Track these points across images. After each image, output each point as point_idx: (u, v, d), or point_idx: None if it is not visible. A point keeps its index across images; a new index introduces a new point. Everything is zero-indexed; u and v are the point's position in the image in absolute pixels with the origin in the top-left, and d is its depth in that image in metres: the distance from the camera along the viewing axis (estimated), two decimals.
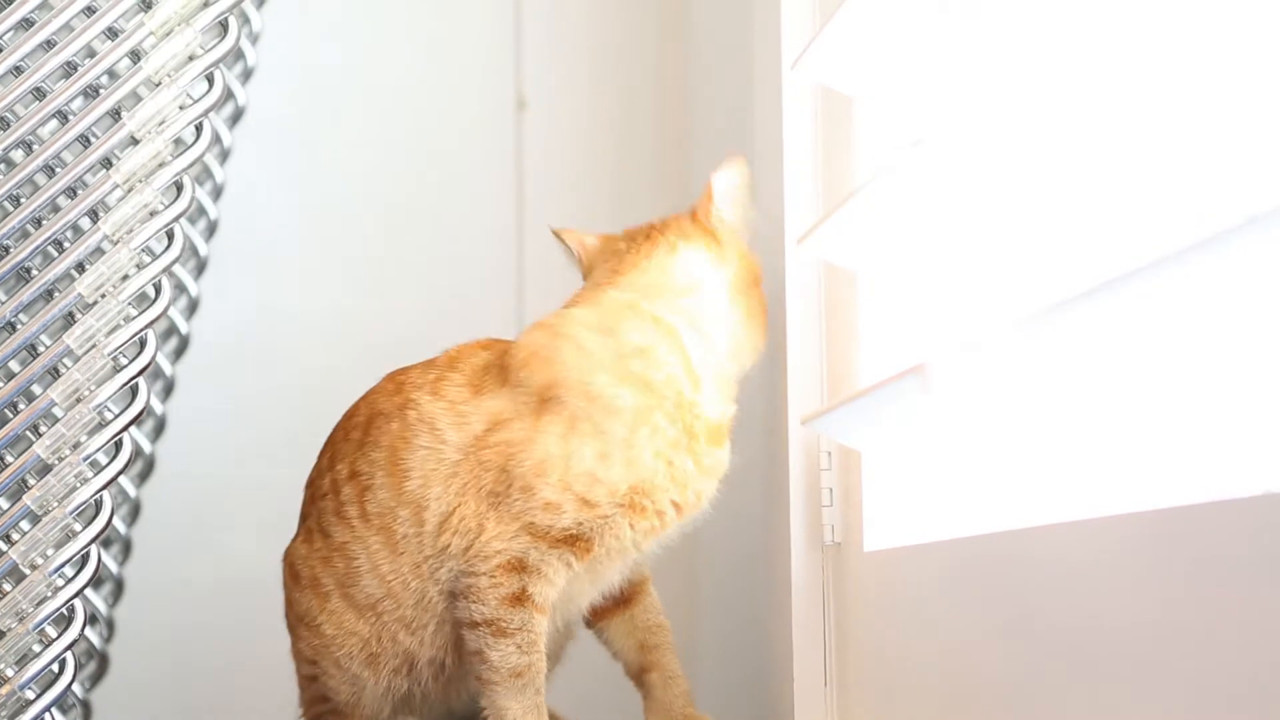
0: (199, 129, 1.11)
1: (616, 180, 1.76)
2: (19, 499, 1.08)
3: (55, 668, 1.08)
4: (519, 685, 1.10)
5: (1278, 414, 0.70)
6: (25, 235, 1.10)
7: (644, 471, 1.10)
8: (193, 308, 1.54)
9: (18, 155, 1.12)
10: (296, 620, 1.20)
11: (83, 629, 1.09)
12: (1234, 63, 0.71)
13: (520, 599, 1.10)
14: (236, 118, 1.51)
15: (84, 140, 1.11)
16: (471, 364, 1.16)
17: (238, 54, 1.50)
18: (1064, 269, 0.86)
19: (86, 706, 1.46)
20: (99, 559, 1.10)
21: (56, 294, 1.10)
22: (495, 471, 1.11)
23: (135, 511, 1.53)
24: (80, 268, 1.10)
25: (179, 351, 1.54)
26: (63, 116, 1.12)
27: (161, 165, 1.10)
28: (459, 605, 1.11)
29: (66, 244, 1.11)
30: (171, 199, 1.10)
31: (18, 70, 1.09)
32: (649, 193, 1.76)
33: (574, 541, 1.10)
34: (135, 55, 1.10)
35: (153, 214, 1.10)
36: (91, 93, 1.11)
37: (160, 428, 1.55)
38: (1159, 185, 0.78)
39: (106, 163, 1.10)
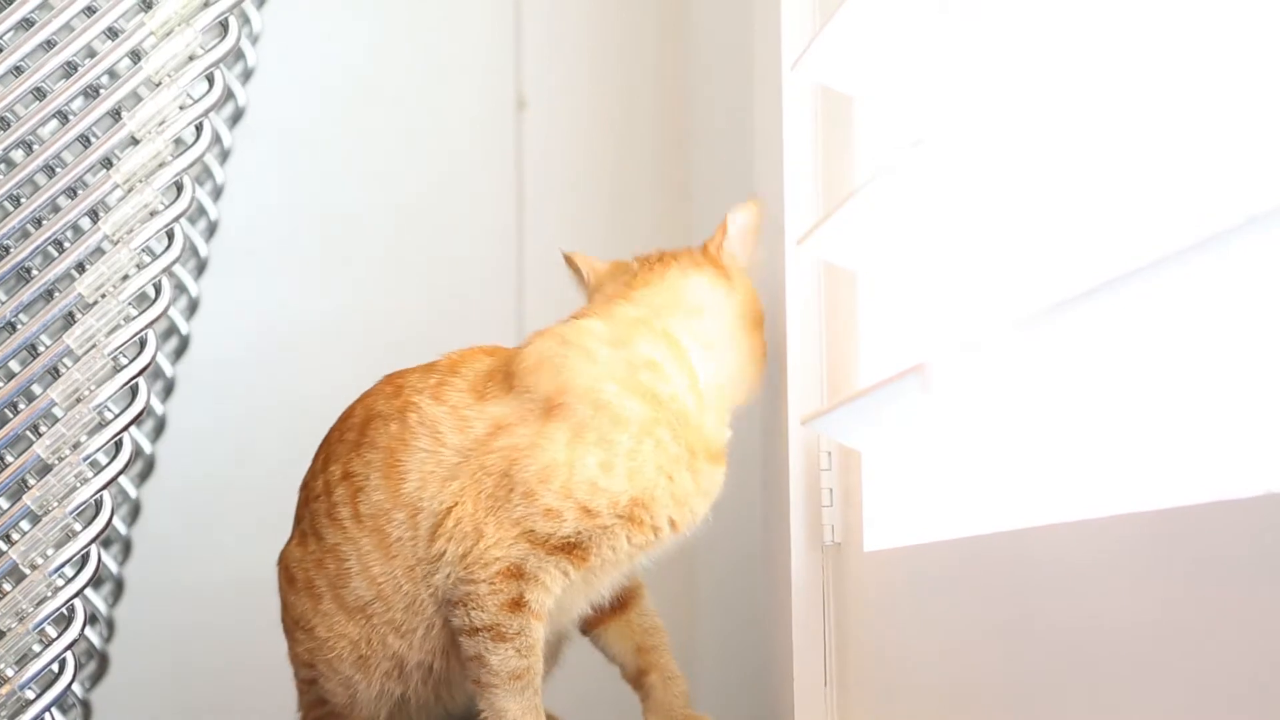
0: (199, 129, 1.11)
1: (616, 180, 1.76)
2: (19, 499, 1.08)
3: (55, 667, 1.08)
4: (519, 687, 1.10)
5: (1278, 414, 0.70)
6: (25, 235, 1.10)
7: (645, 484, 1.10)
8: (193, 308, 1.54)
9: (18, 155, 1.12)
10: (292, 624, 1.20)
11: (83, 629, 1.09)
12: (1234, 63, 0.71)
13: (519, 605, 1.10)
14: (237, 118, 1.51)
15: (84, 140, 1.11)
16: (475, 369, 1.16)
17: (238, 54, 1.50)
18: (1064, 269, 0.86)
19: (86, 706, 1.46)
20: (99, 559, 1.10)
21: (57, 294, 1.10)
22: (497, 476, 1.11)
23: (135, 511, 1.52)
24: (80, 268, 1.10)
25: (179, 352, 1.54)
26: (63, 116, 1.12)
27: (162, 165, 1.10)
28: (456, 612, 1.11)
29: (67, 244, 1.11)
30: (172, 199, 1.10)
31: (18, 70, 1.09)
32: (649, 193, 1.76)
33: (572, 550, 1.10)
34: (135, 55, 1.10)
35: (153, 214, 1.10)
36: (92, 93, 1.11)
37: (160, 428, 1.55)
38: (1159, 185, 0.78)
39: (107, 163, 1.10)
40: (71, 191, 1.11)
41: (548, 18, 1.78)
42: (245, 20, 1.46)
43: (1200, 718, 0.68)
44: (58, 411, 1.08)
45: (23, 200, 1.10)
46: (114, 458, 1.09)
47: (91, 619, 1.43)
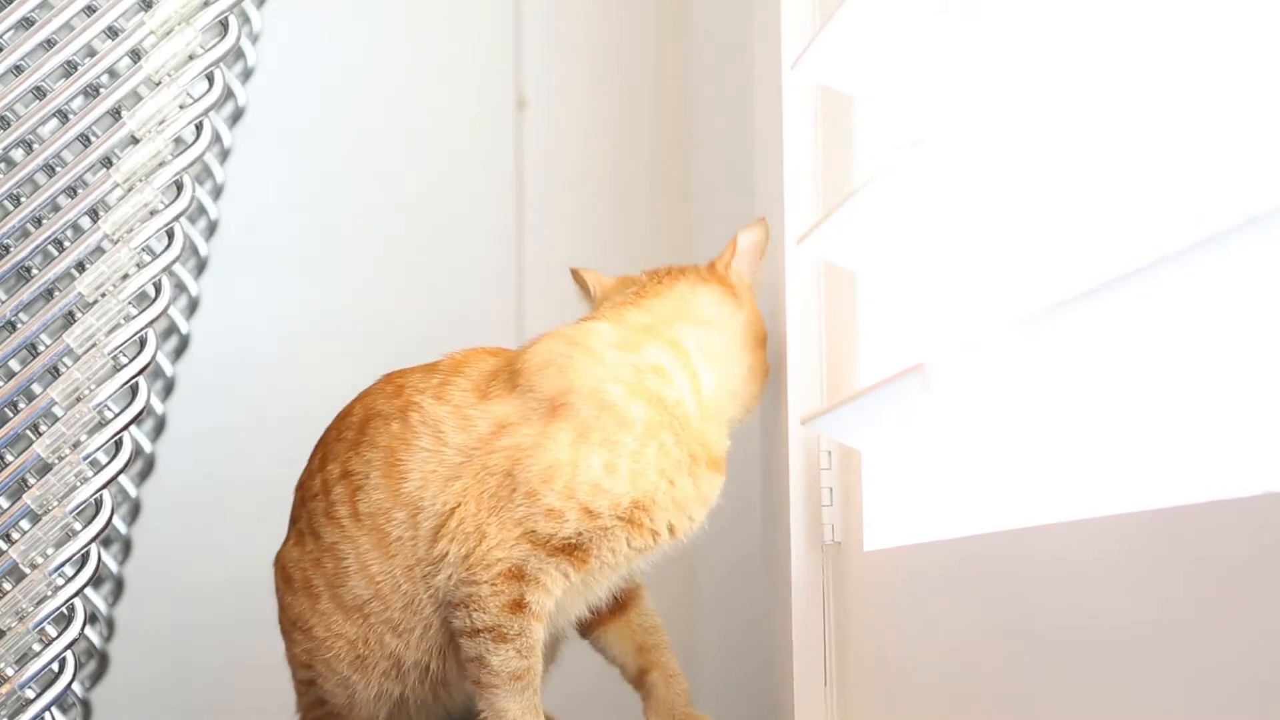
0: (199, 128, 1.11)
1: (616, 180, 1.76)
2: (19, 498, 1.08)
3: (55, 667, 1.08)
4: (519, 688, 1.10)
5: (1277, 413, 0.70)
6: (25, 234, 1.10)
7: (647, 487, 1.10)
8: (193, 307, 1.54)
9: (18, 154, 1.12)
10: (290, 625, 1.20)
11: (83, 628, 1.09)
12: (1234, 62, 0.71)
13: (520, 606, 1.10)
14: (236, 117, 1.51)
15: (84, 139, 1.11)
16: (478, 369, 1.16)
17: (238, 53, 1.50)
18: (1064, 268, 0.86)
19: (86, 705, 1.46)
20: (99, 558, 1.10)
21: (57, 293, 1.10)
22: (500, 476, 1.11)
23: (135, 511, 1.53)
24: (80, 267, 1.10)
25: (179, 351, 1.54)
26: (63, 115, 1.12)
27: (162, 164, 1.10)
28: (457, 614, 1.11)
29: (67, 243, 1.11)
30: (171, 198, 1.10)
31: (18, 69, 1.09)
32: (649, 193, 1.76)
33: (572, 552, 1.10)
34: (135, 54, 1.10)
35: (153, 213, 1.10)
36: (92, 92, 1.11)
37: (160, 427, 1.55)
38: (1159, 185, 0.78)
39: (107, 162, 1.10)
40: (71, 190, 1.11)
41: (548, 17, 1.78)
42: (245, 19, 1.46)
43: (1200, 717, 0.68)
44: (58, 410, 1.08)
45: (23, 199, 1.10)
46: (114, 457, 1.09)
47: (91, 618, 1.43)
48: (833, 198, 1.18)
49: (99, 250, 1.09)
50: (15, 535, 1.08)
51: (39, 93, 1.11)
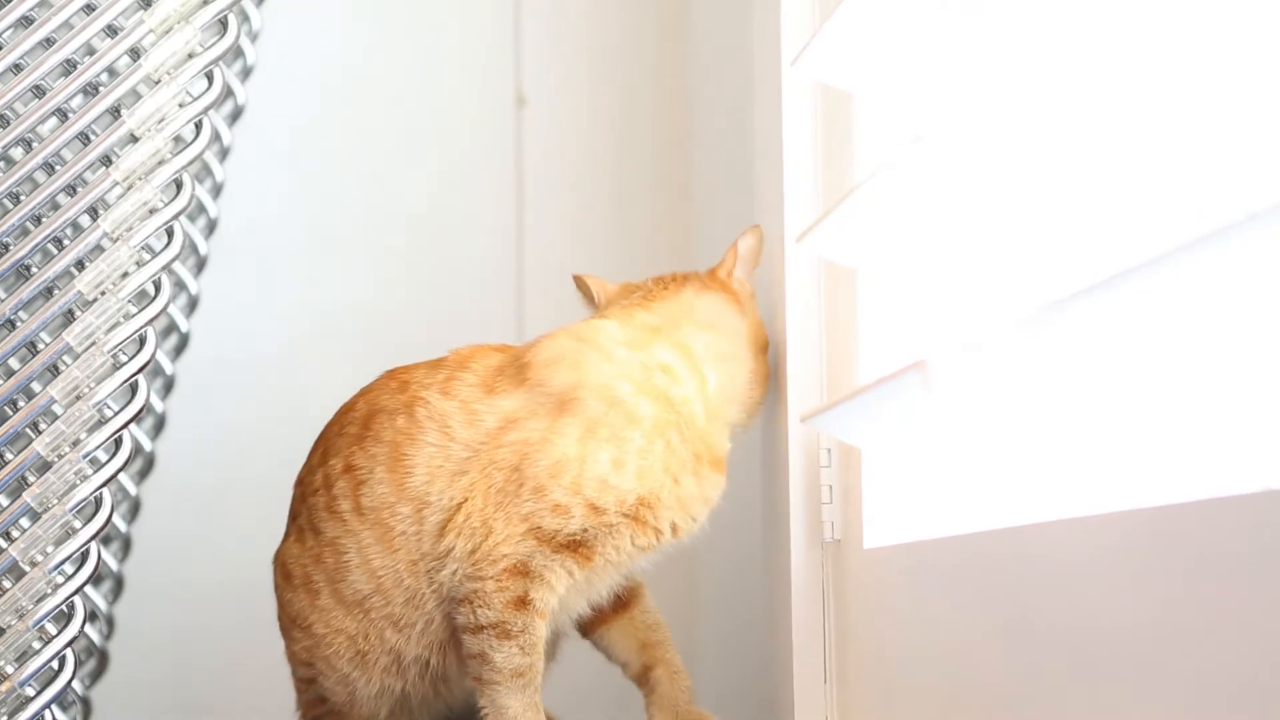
0: (198, 126, 1.11)
1: (616, 178, 1.76)
2: (19, 496, 1.08)
3: (55, 665, 1.08)
4: (520, 685, 1.11)
5: (1277, 411, 0.70)
6: (25, 232, 1.10)
7: (653, 485, 1.11)
8: (192, 305, 1.54)
9: (17, 153, 1.12)
10: (290, 622, 1.20)
11: (82, 626, 1.09)
12: (1235, 60, 0.71)
13: (524, 603, 1.10)
14: (236, 115, 1.51)
15: (84, 138, 1.11)
16: (485, 365, 1.16)
17: (237, 52, 1.50)
18: (1064, 266, 0.86)
19: (86, 704, 1.46)
20: (99, 556, 1.10)
21: (56, 291, 1.10)
22: (507, 470, 1.11)
23: (135, 509, 1.53)
24: (80, 265, 1.10)
25: (178, 349, 1.54)
26: (62, 114, 1.12)
27: (161, 163, 1.10)
28: (461, 610, 1.11)
29: (66, 241, 1.11)
30: (171, 196, 1.10)
31: (17, 68, 1.09)
32: (649, 191, 1.76)
33: (577, 548, 1.10)
34: (135, 53, 1.10)
35: (152, 211, 1.10)
36: (91, 90, 1.11)
37: (160, 425, 1.55)
38: (1160, 182, 0.78)
39: (106, 160, 1.10)
40: (71, 189, 1.11)
41: (547, 15, 1.77)
42: (244, 18, 1.46)
43: (1200, 715, 0.68)
44: (57, 409, 1.08)
45: (22, 198, 1.10)
46: (114, 455, 1.09)
47: (91, 616, 1.43)
48: (833, 195, 1.18)
49: (98, 248, 1.09)
50: (15, 533, 1.08)
51: (38, 91, 1.11)
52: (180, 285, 1.51)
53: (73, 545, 1.08)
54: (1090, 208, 0.85)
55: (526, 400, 1.13)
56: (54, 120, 1.12)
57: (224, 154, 1.53)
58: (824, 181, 1.21)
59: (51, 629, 1.08)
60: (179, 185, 1.10)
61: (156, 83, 1.10)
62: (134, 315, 1.09)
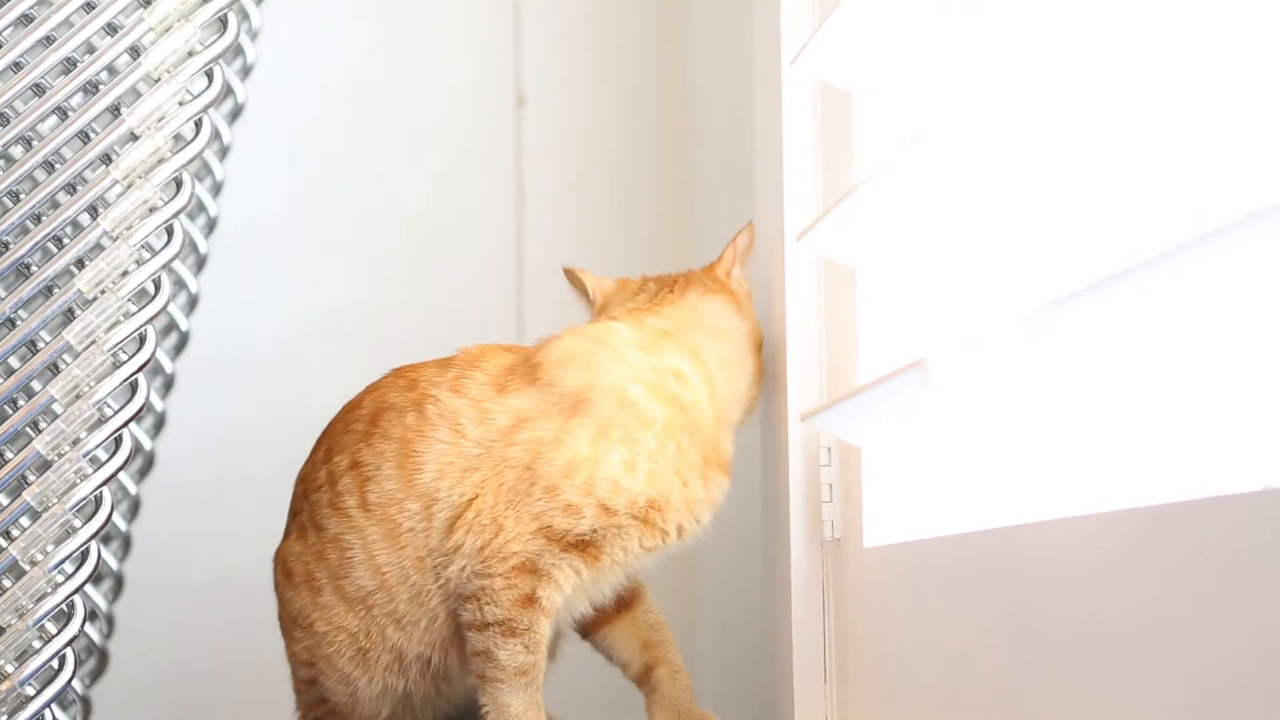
0: (198, 125, 1.11)
1: (616, 177, 1.76)
2: (19, 495, 1.08)
3: (55, 664, 1.08)
4: (523, 683, 1.11)
5: (1277, 409, 0.70)
6: (25, 231, 1.10)
7: (663, 487, 1.12)
8: (192, 304, 1.54)
9: (17, 151, 1.12)
10: (290, 622, 1.19)
11: (82, 625, 1.09)
12: (1235, 59, 0.71)
13: (531, 601, 1.10)
14: (236, 114, 1.51)
15: (83, 136, 1.11)
16: (495, 364, 1.17)
17: (237, 50, 1.50)
18: (1064, 265, 0.86)
19: (86, 703, 1.46)
20: (99, 555, 1.10)
21: (56, 290, 1.10)
22: (519, 469, 1.11)
23: (135, 508, 1.53)
24: (80, 264, 1.10)
25: (178, 348, 1.54)
26: (62, 112, 1.12)
27: (161, 161, 1.10)
28: (467, 607, 1.11)
29: (66, 240, 1.11)
30: (171, 195, 1.10)
31: (17, 66, 1.09)
32: (649, 190, 1.76)
33: (585, 548, 1.11)
34: (135, 51, 1.10)
35: (152, 210, 1.10)
36: (91, 89, 1.11)
37: (160, 424, 1.55)
38: (1159, 181, 0.78)
39: (106, 159, 1.10)
40: (71, 187, 1.11)
41: (547, 15, 1.77)
42: (244, 16, 1.46)
43: (1200, 714, 0.68)
44: (57, 408, 1.08)
45: (22, 196, 1.10)
46: (113, 454, 1.09)
47: (91, 615, 1.43)
48: (832, 194, 1.18)
49: (98, 247, 1.09)
50: (15, 532, 1.08)
51: (38, 89, 1.11)
52: (180, 284, 1.51)
53: (73, 544, 1.08)
54: (1089, 207, 0.85)
55: (538, 400, 1.13)
56: (54, 118, 1.12)
57: (224, 152, 1.53)
58: (823, 181, 1.21)
59: (51, 628, 1.08)
60: (179, 184, 1.10)
61: (156, 81, 1.10)
62: (134, 314, 1.09)
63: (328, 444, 1.20)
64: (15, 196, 1.11)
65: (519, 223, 1.76)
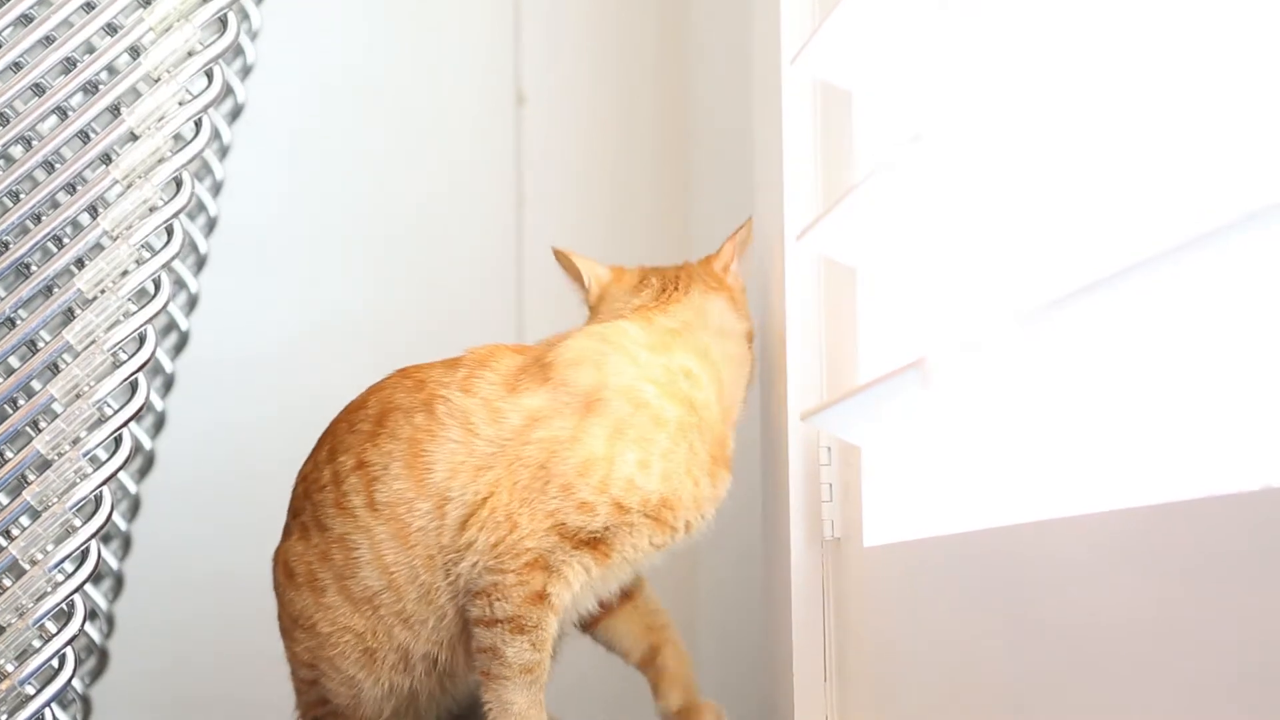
0: (198, 125, 1.11)
1: (616, 176, 1.76)
2: (19, 494, 1.08)
3: (55, 663, 1.08)
4: (528, 681, 1.11)
5: (1277, 408, 0.70)
6: (25, 231, 1.10)
7: (675, 485, 1.13)
8: (192, 303, 1.54)
9: (17, 151, 1.12)
10: (291, 622, 1.19)
11: (82, 624, 1.09)
12: (1235, 58, 0.71)
13: (541, 597, 1.11)
14: (236, 114, 1.51)
15: (83, 136, 1.11)
16: (506, 364, 1.17)
17: (237, 50, 1.50)
18: (1064, 264, 0.86)
19: (86, 702, 1.46)
20: (99, 554, 1.10)
21: (56, 290, 1.10)
22: (534, 467, 1.12)
23: (135, 507, 1.53)
24: (80, 263, 1.10)
25: (178, 347, 1.54)
26: (62, 112, 1.12)
27: (161, 161, 1.10)
28: (477, 603, 1.11)
29: (66, 240, 1.11)
30: (171, 195, 1.10)
31: (17, 66, 1.09)
32: (649, 189, 1.76)
33: (596, 545, 1.12)
34: (135, 51, 1.10)
35: (152, 210, 1.10)
36: (91, 88, 1.11)
37: (160, 423, 1.55)
38: (1159, 180, 0.78)
39: (106, 158, 1.10)
40: (71, 187, 1.11)
41: (547, 15, 1.77)
42: (244, 16, 1.46)
43: (1199, 714, 0.68)
44: (57, 407, 1.08)
45: (22, 196, 1.10)
46: (113, 453, 1.09)
47: (91, 614, 1.43)
48: (832, 193, 1.18)
49: (98, 247, 1.09)
50: (15, 531, 1.08)
51: (38, 89, 1.11)
52: (180, 283, 1.51)
53: (73, 543, 1.08)
54: (1089, 206, 0.85)
55: (551, 399, 1.14)
56: (54, 118, 1.12)
57: (224, 152, 1.53)
58: (823, 180, 1.21)
59: (51, 627, 1.08)
60: (179, 183, 1.10)
61: (156, 81, 1.10)
62: (134, 313, 1.09)
63: (331, 444, 1.20)
64: (15, 196, 1.11)
65: (519, 223, 1.76)
